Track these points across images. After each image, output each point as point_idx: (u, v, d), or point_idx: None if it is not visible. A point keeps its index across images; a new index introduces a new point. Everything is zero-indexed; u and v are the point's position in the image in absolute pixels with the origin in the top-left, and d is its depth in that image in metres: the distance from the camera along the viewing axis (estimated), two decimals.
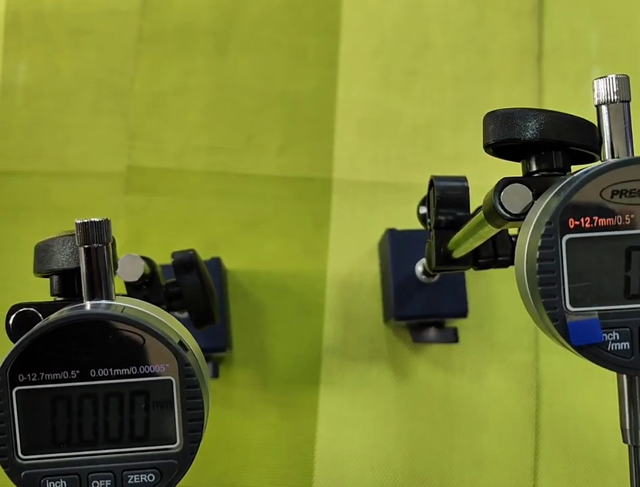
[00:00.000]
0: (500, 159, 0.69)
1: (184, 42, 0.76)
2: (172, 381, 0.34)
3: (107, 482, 0.34)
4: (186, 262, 0.45)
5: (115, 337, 0.34)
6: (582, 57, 0.76)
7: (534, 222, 0.27)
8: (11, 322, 0.38)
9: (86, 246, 0.35)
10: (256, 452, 0.68)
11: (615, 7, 0.77)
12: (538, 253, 0.26)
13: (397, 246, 0.65)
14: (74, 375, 0.34)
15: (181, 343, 0.35)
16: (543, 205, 0.27)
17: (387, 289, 0.66)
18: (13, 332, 0.38)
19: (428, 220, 0.47)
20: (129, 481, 0.34)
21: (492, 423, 0.69)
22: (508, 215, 0.29)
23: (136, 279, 0.44)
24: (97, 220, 0.35)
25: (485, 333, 0.70)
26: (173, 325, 0.36)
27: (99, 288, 0.36)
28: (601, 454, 0.68)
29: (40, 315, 0.38)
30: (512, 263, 0.43)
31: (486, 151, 0.34)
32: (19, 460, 0.34)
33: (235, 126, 0.74)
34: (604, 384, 0.68)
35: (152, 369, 0.34)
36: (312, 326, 0.70)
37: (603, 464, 0.68)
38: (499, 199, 0.29)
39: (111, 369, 0.34)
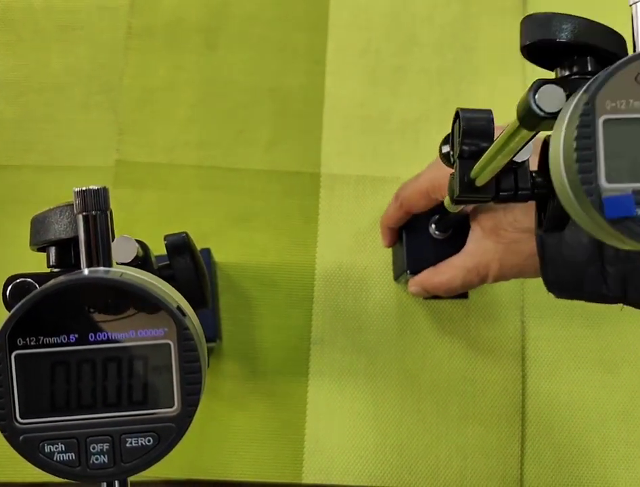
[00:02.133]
0: None
1: (173, 37, 0.76)
2: (170, 345, 0.34)
3: (105, 446, 0.34)
4: (179, 244, 0.46)
5: (115, 301, 0.34)
6: None
7: (570, 109, 0.28)
8: (8, 293, 0.38)
9: (84, 213, 0.35)
10: (244, 443, 0.68)
11: (597, 4, 0.78)
12: (576, 131, 0.27)
13: None
14: (72, 339, 0.34)
15: (179, 308, 0.35)
16: (578, 96, 0.29)
17: (400, 245, 0.67)
18: (10, 303, 0.38)
19: (451, 154, 0.48)
20: (127, 445, 0.34)
21: (479, 413, 0.70)
22: (543, 113, 0.30)
23: (130, 261, 0.44)
24: (95, 187, 0.36)
25: (473, 324, 0.71)
26: (171, 291, 0.37)
27: (97, 256, 0.36)
28: (586, 441, 0.69)
29: (37, 285, 0.38)
30: (531, 198, 0.44)
31: (522, 53, 0.36)
32: (18, 424, 0.34)
33: (224, 121, 0.75)
34: (589, 373, 0.70)
35: (150, 333, 0.34)
36: (301, 318, 0.71)
37: (588, 451, 0.69)
38: (534, 99, 0.30)
39: (109, 333, 0.34)
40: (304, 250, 0.73)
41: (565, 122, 0.28)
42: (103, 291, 0.34)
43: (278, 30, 0.77)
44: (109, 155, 0.73)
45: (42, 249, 0.42)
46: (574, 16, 0.33)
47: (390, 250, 0.72)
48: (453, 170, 0.48)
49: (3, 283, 0.39)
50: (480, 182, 0.44)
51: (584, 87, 0.28)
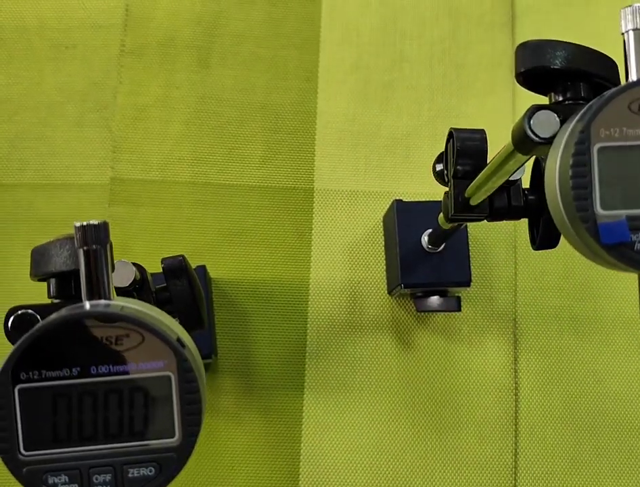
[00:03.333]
0: None
1: (166, 55, 0.77)
2: (170, 377, 0.35)
3: (108, 476, 0.35)
4: (176, 268, 0.47)
5: (114, 335, 0.35)
6: None
7: (565, 136, 0.29)
8: (9, 324, 0.39)
9: (85, 248, 0.36)
10: (242, 458, 0.69)
11: (584, 20, 0.80)
12: (571, 159, 0.28)
13: (404, 216, 0.67)
14: (74, 373, 0.35)
15: (179, 340, 0.36)
16: (572, 124, 0.29)
17: (394, 259, 0.68)
18: (11, 334, 0.39)
19: (445, 172, 0.49)
20: (129, 475, 0.35)
21: (473, 424, 0.70)
22: (537, 139, 0.31)
23: (127, 285, 0.45)
24: (95, 222, 0.36)
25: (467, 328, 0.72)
26: (170, 323, 0.37)
27: (98, 289, 0.36)
28: (578, 452, 0.70)
29: (39, 317, 0.39)
30: (524, 215, 0.45)
31: (516, 80, 0.37)
32: (21, 457, 0.35)
33: (217, 137, 0.75)
34: (581, 384, 0.71)
35: (151, 366, 0.35)
36: (296, 332, 0.72)
37: (581, 461, 0.70)
38: (529, 124, 0.31)
39: (110, 366, 0.35)
40: (298, 265, 0.73)
41: (561, 149, 0.29)
42: (105, 325, 0.35)
43: (269, 48, 0.78)
44: (103, 172, 0.74)
45: (43, 279, 0.43)
46: (567, 43, 0.34)
47: (383, 264, 0.73)
48: (447, 189, 0.49)
49: (5, 314, 0.40)
50: (474, 202, 0.45)
51: (579, 115, 0.29)
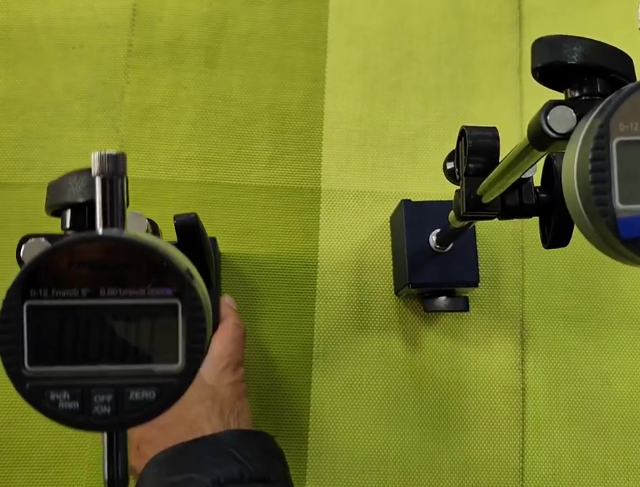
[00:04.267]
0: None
1: (174, 55, 0.77)
2: (177, 305, 0.35)
3: (109, 397, 0.35)
4: (188, 225, 0.47)
5: (127, 259, 0.35)
6: None
7: (584, 131, 0.29)
8: (22, 251, 0.39)
9: (102, 176, 0.36)
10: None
11: (591, 21, 0.80)
12: (590, 154, 0.28)
13: (412, 216, 0.67)
14: (83, 294, 0.35)
15: (189, 271, 0.36)
16: (591, 119, 0.29)
17: (401, 259, 0.68)
18: (25, 260, 0.39)
19: (457, 170, 0.49)
20: (130, 397, 0.35)
21: (480, 425, 0.70)
22: (554, 134, 0.31)
23: None
24: (113, 152, 0.37)
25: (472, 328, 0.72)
26: (181, 256, 0.37)
27: (112, 218, 0.37)
28: (585, 452, 0.70)
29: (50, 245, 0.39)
30: (536, 214, 0.45)
31: (533, 76, 0.36)
32: (25, 371, 0.35)
33: (225, 137, 0.75)
34: (588, 385, 0.71)
35: (160, 292, 0.35)
36: (303, 332, 0.72)
37: (588, 462, 0.70)
38: (546, 120, 0.31)
39: (120, 290, 0.35)
40: (304, 265, 0.73)
41: (579, 143, 0.29)
42: (117, 250, 0.35)
43: (276, 48, 0.78)
44: None
45: (57, 213, 0.43)
46: (584, 38, 0.34)
47: (390, 264, 0.73)
48: (459, 187, 0.49)
49: (18, 243, 0.40)
50: (486, 199, 0.45)
51: (598, 109, 0.29)
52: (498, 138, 0.46)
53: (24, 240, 0.39)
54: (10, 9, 0.77)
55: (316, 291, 0.73)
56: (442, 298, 0.68)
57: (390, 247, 0.74)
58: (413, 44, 0.79)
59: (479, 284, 0.67)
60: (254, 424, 0.69)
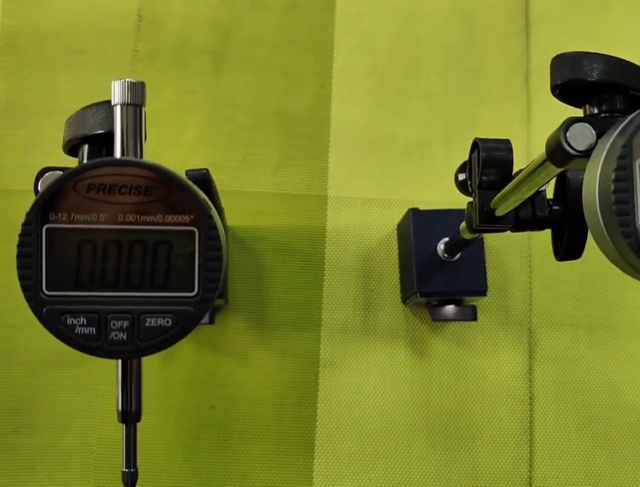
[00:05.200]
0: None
1: (180, 61, 0.77)
2: (194, 232, 0.35)
3: (125, 323, 0.35)
4: (199, 179, 0.47)
5: (144, 186, 0.35)
6: None
7: (605, 150, 0.29)
8: (39, 184, 0.39)
9: (122, 104, 0.36)
10: (254, 470, 0.68)
11: (599, 26, 0.79)
12: (613, 174, 0.28)
13: (419, 225, 0.67)
14: (102, 218, 0.35)
15: (205, 200, 0.36)
16: (613, 138, 0.29)
17: (409, 268, 0.68)
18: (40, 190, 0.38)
19: (469, 183, 0.49)
20: (146, 324, 0.35)
21: (488, 435, 0.70)
22: (573, 152, 0.31)
23: None
24: (133, 80, 0.37)
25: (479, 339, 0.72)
26: (197, 188, 0.37)
27: (130, 147, 0.37)
28: (594, 463, 0.69)
29: None
30: (549, 226, 0.45)
31: (552, 92, 0.36)
32: (43, 296, 0.35)
33: (231, 143, 0.75)
34: (596, 395, 0.70)
35: (177, 219, 0.35)
36: (309, 341, 0.71)
37: (597, 473, 0.69)
38: (565, 137, 0.31)
39: (138, 216, 0.35)
40: (311, 272, 0.73)
41: (601, 163, 0.28)
42: (136, 175, 0.35)
43: (283, 53, 0.78)
44: None
45: (74, 150, 0.43)
46: (604, 55, 0.34)
47: (397, 272, 0.73)
48: (471, 199, 0.48)
49: (35, 175, 0.40)
50: (500, 212, 0.45)
51: (620, 128, 0.28)
52: (511, 151, 0.46)
53: (42, 173, 0.39)
54: (16, 14, 0.77)
55: (323, 300, 0.72)
56: (450, 307, 0.67)
57: (397, 255, 0.73)
58: (421, 51, 0.78)
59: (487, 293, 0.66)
60: (258, 435, 0.69)
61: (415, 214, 0.68)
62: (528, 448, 0.70)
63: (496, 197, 0.44)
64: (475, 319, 0.67)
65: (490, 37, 0.79)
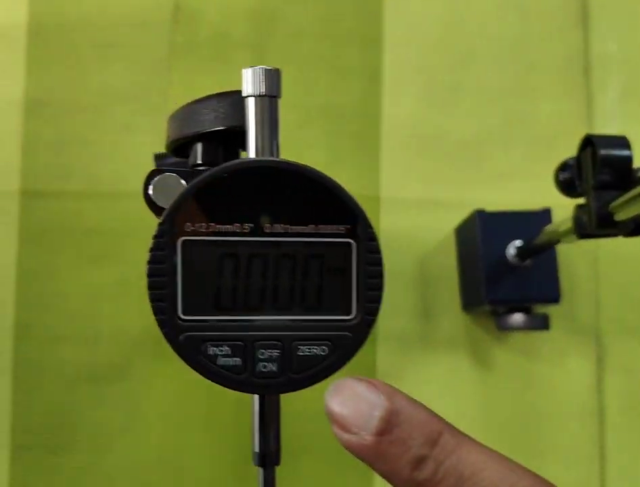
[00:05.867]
0: (547, 178, 0.67)
1: (219, 54, 0.72)
2: (351, 245, 0.31)
3: (275, 352, 0.30)
4: None
5: (294, 191, 0.30)
6: (629, 67, 0.74)
7: None
8: (151, 189, 0.33)
9: (255, 96, 0.32)
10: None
11: None
12: None
13: (487, 228, 0.63)
14: (246, 229, 0.30)
15: (362, 208, 0.31)
16: None
17: (474, 273, 0.64)
18: (154, 197, 0.33)
19: (578, 183, 0.44)
20: (298, 353, 0.30)
21: (556, 450, 0.66)
22: None
23: None
24: (268, 67, 0.32)
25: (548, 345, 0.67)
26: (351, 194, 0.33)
27: (266, 146, 0.32)
28: None
29: (185, 183, 0.33)
30: None
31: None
32: (179, 321, 0.30)
33: None
34: None
35: (331, 230, 0.30)
36: (365, 351, 0.67)
37: None
38: None
39: (287, 226, 0.30)
40: None
41: None
42: (285, 179, 0.30)
43: (329, 46, 0.73)
44: None
45: (182, 149, 0.37)
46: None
47: (456, 277, 0.68)
48: (583, 201, 0.44)
49: (145, 178, 0.34)
50: (620, 217, 0.40)
51: None
52: (629, 147, 0.41)
53: (152, 176, 0.33)
54: (41, 6, 0.72)
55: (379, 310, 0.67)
56: (519, 315, 0.63)
57: (456, 260, 0.69)
58: (473, 44, 0.74)
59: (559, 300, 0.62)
60: (315, 454, 0.64)
61: (481, 216, 0.63)
62: (600, 466, 0.65)
63: (618, 201, 0.40)
64: (547, 328, 0.63)
65: (546, 29, 0.74)
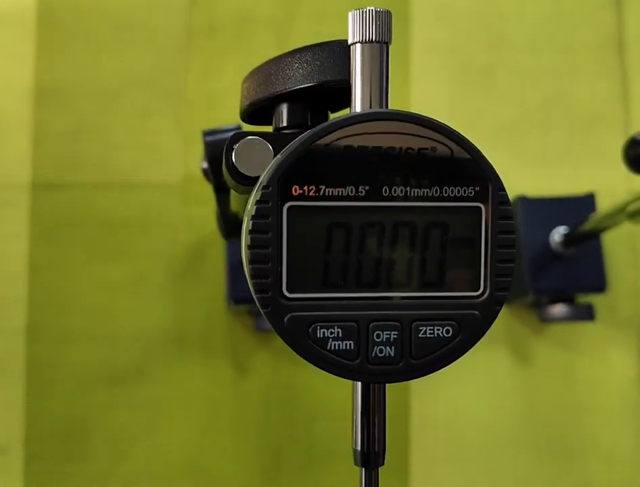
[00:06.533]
0: (590, 162, 0.63)
1: (241, 35, 0.68)
2: (481, 210, 0.27)
3: (393, 334, 0.26)
4: None
5: (416, 148, 0.26)
6: None
7: None
8: (235, 154, 0.28)
9: (363, 42, 0.28)
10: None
11: None
12: None
13: (529, 215, 0.60)
14: (361, 192, 0.26)
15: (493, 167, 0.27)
16: None
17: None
18: (238, 165, 0.28)
19: None
20: (420, 334, 0.26)
21: (599, 446, 0.63)
22: None
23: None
24: (378, 9, 0.28)
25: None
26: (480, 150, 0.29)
27: (375, 100, 0.28)
28: None
29: (271, 147, 0.28)
30: None
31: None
32: (285, 300, 0.26)
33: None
34: None
35: (457, 193, 0.26)
36: None
37: None
38: None
39: (407, 188, 0.26)
40: None
41: None
42: (404, 133, 0.26)
43: None
44: (174, 169, 0.65)
45: (261, 114, 0.32)
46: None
47: None
48: None
49: (227, 143, 0.29)
50: None
51: None
52: None
53: (235, 140, 0.28)
54: None
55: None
56: (563, 306, 0.60)
57: None
58: (506, 25, 0.70)
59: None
60: (346, 455, 0.61)
61: (524, 203, 0.60)
62: None
63: None
64: (593, 319, 0.60)
65: (579, 9, 0.71)
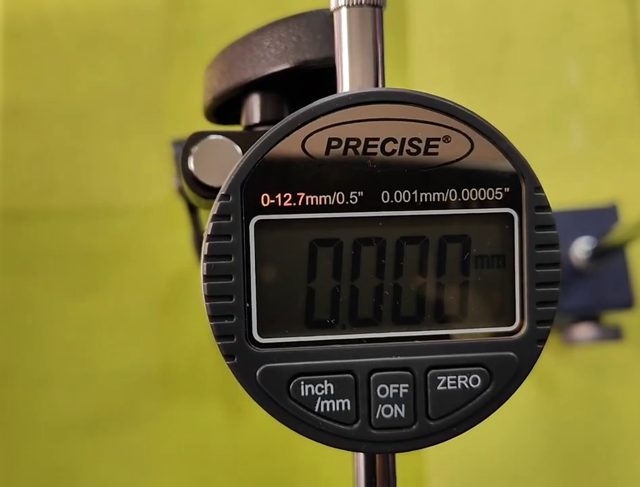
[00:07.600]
0: (609, 167, 0.58)
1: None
2: (512, 218, 0.20)
3: (402, 388, 0.20)
4: None
5: (424, 139, 0.20)
6: None
7: None
8: (192, 159, 0.22)
9: (349, 5, 0.21)
10: None
11: None
12: None
13: None
14: (353, 200, 0.20)
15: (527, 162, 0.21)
16: None
17: None
18: (196, 173, 0.22)
19: None
20: (438, 386, 0.20)
21: (632, 479, 0.57)
22: None
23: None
24: None
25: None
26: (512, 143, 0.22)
27: (369, 76, 0.21)
28: None
29: (237, 147, 0.22)
30: None
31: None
32: (255, 347, 0.19)
33: None
34: None
35: (480, 196, 0.20)
36: None
37: None
38: None
39: (414, 193, 0.20)
40: None
41: None
42: (408, 120, 0.20)
43: None
44: (155, 191, 0.60)
45: (227, 109, 0.26)
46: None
47: None
48: None
49: (185, 144, 0.22)
50: None
51: None
52: None
53: (192, 142, 0.22)
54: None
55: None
56: (587, 326, 0.54)
57: None
58: (511, 22, 0.65)
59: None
60: None
61: None
62: None
63: None
64: (620, 339, 0.54)
65: (591, 4, 0.66)
